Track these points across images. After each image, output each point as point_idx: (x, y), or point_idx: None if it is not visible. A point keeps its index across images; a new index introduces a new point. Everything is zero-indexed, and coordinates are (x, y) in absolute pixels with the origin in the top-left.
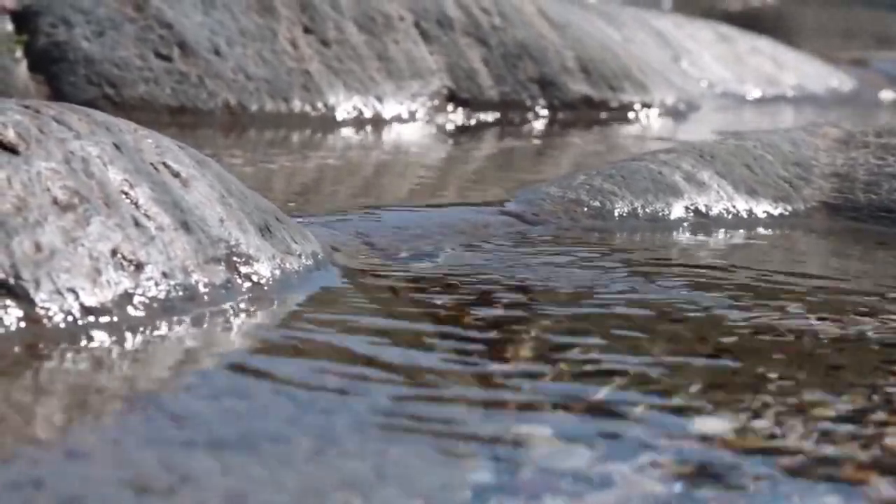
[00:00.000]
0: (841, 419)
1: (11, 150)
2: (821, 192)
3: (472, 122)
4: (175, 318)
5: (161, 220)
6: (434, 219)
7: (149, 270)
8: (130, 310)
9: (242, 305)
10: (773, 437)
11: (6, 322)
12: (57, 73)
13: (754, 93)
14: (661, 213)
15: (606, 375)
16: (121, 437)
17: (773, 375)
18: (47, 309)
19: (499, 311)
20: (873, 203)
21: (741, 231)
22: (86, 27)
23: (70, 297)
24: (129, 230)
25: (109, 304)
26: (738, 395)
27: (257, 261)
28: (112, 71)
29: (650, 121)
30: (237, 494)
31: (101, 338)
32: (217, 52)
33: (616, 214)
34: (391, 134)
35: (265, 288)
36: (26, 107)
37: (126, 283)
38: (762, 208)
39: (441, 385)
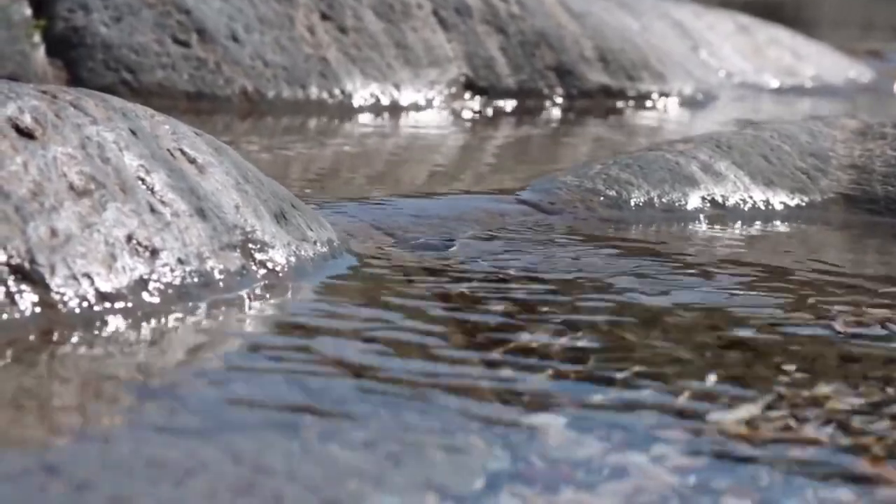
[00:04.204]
0: (855, 411)
1: (28, 135)
2: (838, 184)
3: (490, 110)
4: (190, 305)
5: (177, 206)
6: (450, 207)
7: (164, 256)
8: (145, 296)
9: (257, 292)
10: (787, 428)
11: (21, 307)
12: (75, 59)
13: (773, 83)
14: (677, 204)
15: (621, 365)
16: (135, 423)
17: (788, 367)
18: (62, 294)
19: (513, 300)
20: (890, 195)
21: (758, 222)
22: (104, 12)
23: (85, 283)
24: (145, 216)
25: (124, 290)
26: (752, 387)
27: (272, 248)
28: (130, 56)
29: (668, 110)
30: (250, 482)
31: (115, 324)
32: (235, 39)
33: (632, 204)
34: (408, 121)
35: (280, 275)
36: (43, 92)
37: (141, 269)
38: (779, 199)
39: (455, 373)
